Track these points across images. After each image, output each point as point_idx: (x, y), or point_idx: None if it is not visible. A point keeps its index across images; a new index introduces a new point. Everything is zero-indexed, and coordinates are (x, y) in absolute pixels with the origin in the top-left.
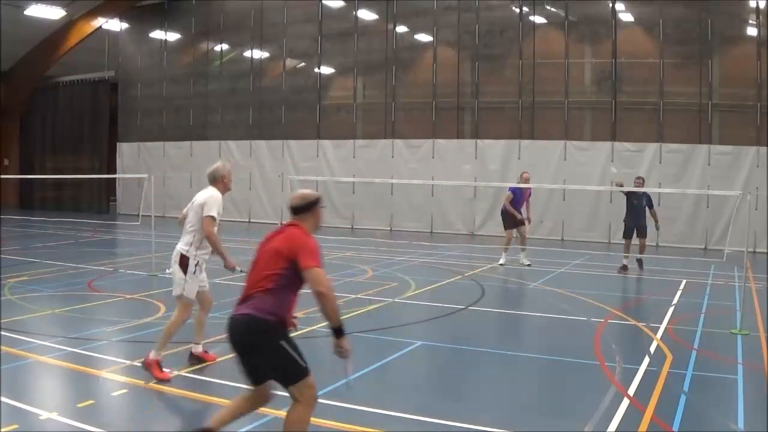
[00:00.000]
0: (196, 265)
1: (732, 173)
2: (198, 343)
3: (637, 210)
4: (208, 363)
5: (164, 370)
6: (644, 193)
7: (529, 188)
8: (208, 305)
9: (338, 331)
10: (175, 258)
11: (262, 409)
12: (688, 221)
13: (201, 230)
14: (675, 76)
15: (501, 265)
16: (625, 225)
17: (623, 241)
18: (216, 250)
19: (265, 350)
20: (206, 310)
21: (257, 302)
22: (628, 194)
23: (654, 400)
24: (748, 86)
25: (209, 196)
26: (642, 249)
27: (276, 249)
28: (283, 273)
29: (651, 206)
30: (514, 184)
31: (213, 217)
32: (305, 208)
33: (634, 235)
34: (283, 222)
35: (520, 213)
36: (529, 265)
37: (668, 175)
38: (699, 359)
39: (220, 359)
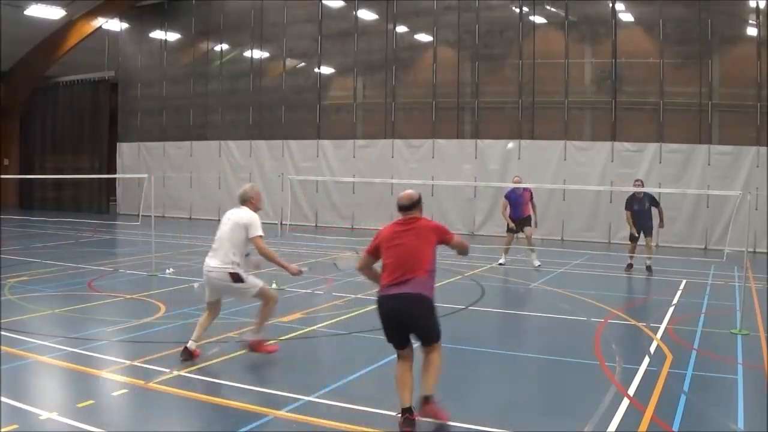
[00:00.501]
0: (244, 272)
1: (732, 173)
2: (257, 333)
3: (641, 213)
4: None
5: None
6: (645, 194)
7: (529, 190)
8: (216, 311)
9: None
10: (224, 278)
11: (262, 409)
12: (688, 221)
13: (242, 247)
14: (675, 76)
15: (500, 264)
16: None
17: (628, 243)
18: (275, 263)
19: (426, 321)
20: (217, 315)
21: (421, 284)
22: (628, 201)
23: (654, 400)
24: (748, 86)
25: (251, 216)
26: (649, 250)
27: (424, 238)
28: (434, 258)
29: (656, 204)
30: (510, 188)
31: (262, 236)
32: (417, 204)
33: (640, 236)
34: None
35: (526, 215)
36: (539, 266)
37: (668, 175)
38: (699, 359)
39: (219, 360)
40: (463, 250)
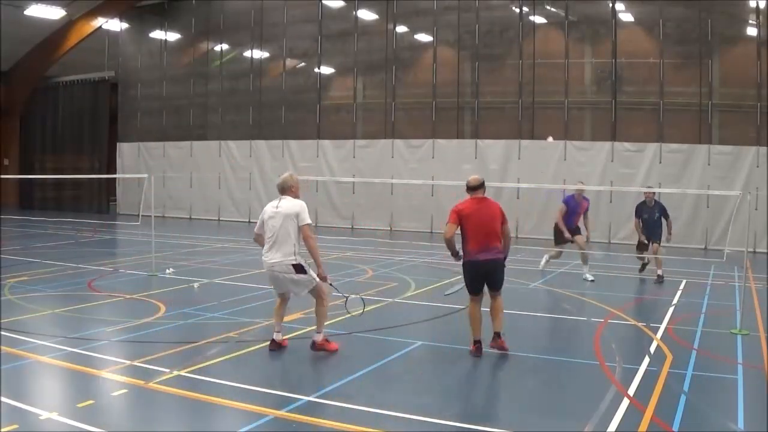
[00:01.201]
0: (305, 263)
1: (732, 173)
2: (319, 332)
3: (650, 223)
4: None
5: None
6: (656, 204)
7: (588, 200)
8: (327, 297)
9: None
10: (287, 270)
11: (262, 409)
12: (688, 221)
13: (298, 237)
14: (675, 76)
15: (542, 270)
16: (639, 239)
17: (636, 251)
18: (313, 257)
19: (501, 276)
20: (287, 302)
21: (499, 248)
22: (638, 209)
23: (654, 400)
24: (748, 86)
25: (301, 204)
26: (656, 254)
27: (493, 213)
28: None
29: (666, 217)
30: (568, 192)
31: (310, 225)
32: (483, 185)
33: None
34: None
35: (576, 227)
36: (592, 281)
37: (668, 175)
38: (699, 359)
39: (219, 360)
40: (507, 241)
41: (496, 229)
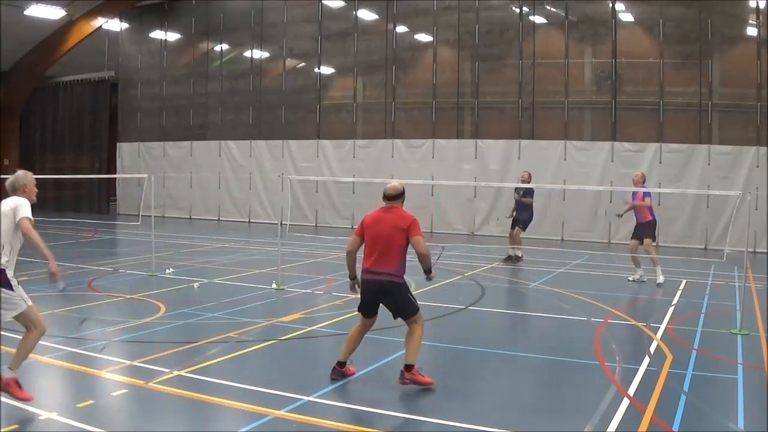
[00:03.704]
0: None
1: (732, 173)
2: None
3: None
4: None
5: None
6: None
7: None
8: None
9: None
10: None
11: (262, 409)
12: (688, 221)
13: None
14: (675, 76)
15: (633, 281)
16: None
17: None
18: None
19: (397, 297)
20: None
21: (391, 269)
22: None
23: (654, 400)
24: (748, 86)
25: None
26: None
27: (395, 225)
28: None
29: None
30: (644, 189)
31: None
32: (399, 196)
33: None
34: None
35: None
36: (661, 283)
37: (668, 175)
38: (699, 359)
39: (219, 360)
40: (422, 257)
41: (394, 245)
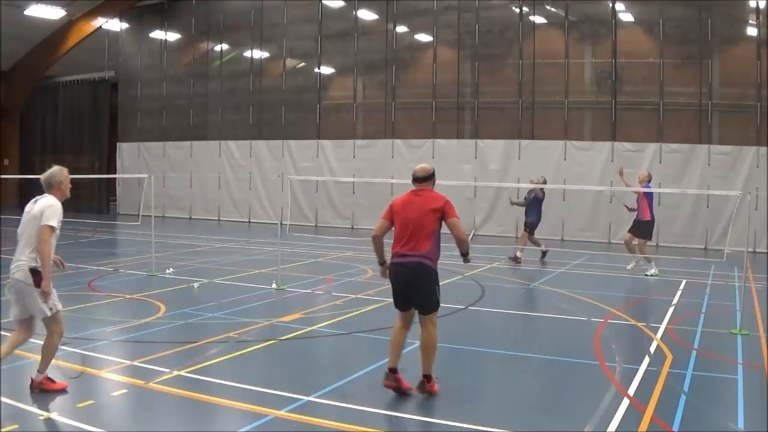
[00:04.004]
0: None
1: (732, 173)
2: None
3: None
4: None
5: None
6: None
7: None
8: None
9: None
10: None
11: (262, 409)
12: (688, 221)
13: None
14: (675, 76)
15: (654, 275)
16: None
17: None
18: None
19: (426, 285)
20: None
21: (423, 252)
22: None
23: (654, 400)
24: (748, 86)
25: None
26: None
27: (425, 208)
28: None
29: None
30: (647, 188)
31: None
32: (429, 178)
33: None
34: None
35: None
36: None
37: (668, 175)
38: (699, 359)
39: (219, 360)
40: (460, 242)
41: (426, 229)
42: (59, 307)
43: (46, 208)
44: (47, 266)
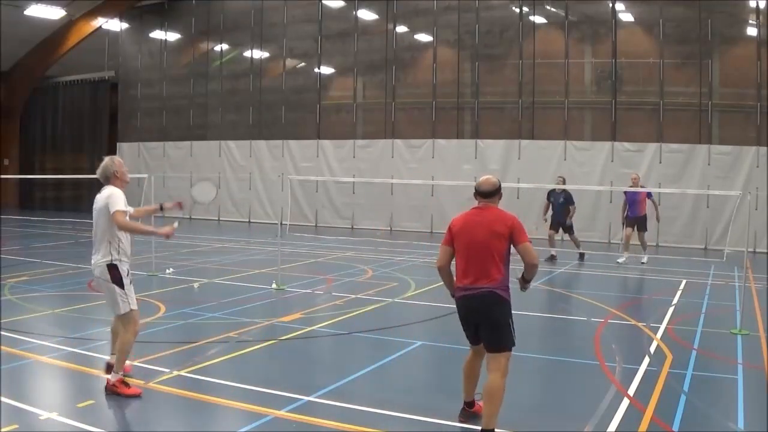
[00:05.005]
0: None
1: (732, 173)
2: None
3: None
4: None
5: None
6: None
7: (641, 191)
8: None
9: None
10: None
11: (262, 409)
12: (688, 221)
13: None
14: (675, 76)
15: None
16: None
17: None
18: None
19: (495, 316)
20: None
21: (493, 280)
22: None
23: (654, 400)
24: (748, 86)
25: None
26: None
27: (491, 228)
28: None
29: (572, 203)
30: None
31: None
32: (496, 192)
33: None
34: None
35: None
36: (643, 263)
37: (668, 175)
38: (699, 359)
39: (219, 360)
40: (531, 268)
41: (493, 255)
42: (134, 306)
43: (108, 197)
44: (146, 231)
